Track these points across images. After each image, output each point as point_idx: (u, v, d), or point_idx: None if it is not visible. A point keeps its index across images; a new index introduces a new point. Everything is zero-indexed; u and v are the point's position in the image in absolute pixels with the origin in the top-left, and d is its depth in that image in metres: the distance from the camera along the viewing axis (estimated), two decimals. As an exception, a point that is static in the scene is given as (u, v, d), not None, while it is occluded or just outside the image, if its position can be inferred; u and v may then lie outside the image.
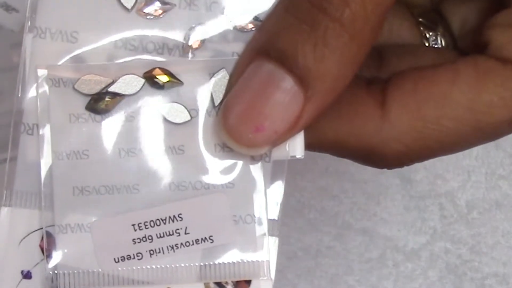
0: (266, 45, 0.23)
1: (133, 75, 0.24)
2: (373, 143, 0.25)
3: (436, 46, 0.29)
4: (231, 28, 0.25)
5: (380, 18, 0.23)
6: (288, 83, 0.23)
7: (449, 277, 0.48)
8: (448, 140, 0.25)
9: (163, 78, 0.24)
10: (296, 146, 0.25)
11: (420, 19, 0.29)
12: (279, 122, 0.23)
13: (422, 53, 0.28)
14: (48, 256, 0.24)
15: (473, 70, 0.25)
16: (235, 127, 0.23)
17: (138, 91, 0.24)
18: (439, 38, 0.29)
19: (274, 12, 0.24)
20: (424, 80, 0.25)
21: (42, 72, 0.24)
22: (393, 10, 0.28)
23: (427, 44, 0.29)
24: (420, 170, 0.48)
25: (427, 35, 0.29)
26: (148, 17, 0.25)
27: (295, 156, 0.25)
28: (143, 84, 0.24)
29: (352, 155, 0.26)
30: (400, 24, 0.29)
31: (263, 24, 0.24)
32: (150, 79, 0.24)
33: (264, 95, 0.23)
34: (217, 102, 0.24)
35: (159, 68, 0.24)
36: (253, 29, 0.25)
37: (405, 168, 0.47)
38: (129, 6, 0.24)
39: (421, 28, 0.29)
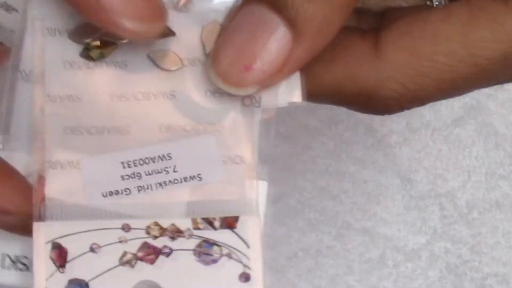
0: None
1: None
2: (369, 84, 0.25)
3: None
4: None
5: None
6: (277, 24, 0.23)
7: (449, 277, 0.48)
8: (444, 77, 0.25)
9: None
10: (294, 91, 0.25)
11: None
12: (268, 63, 0.23)
13: (423, 10, 0.28)
14: (41, 198, 0.25)
15: (465, 8, 0.25)
16: (224, 66, 0.24)
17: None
18: None
19: None
20: (417, 20, 0.25)
21: (39, 22, 0.25)
22: None
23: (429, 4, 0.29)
24: (420, 170, 0.48)
25: None
26: None
27: (294, 102, 0.25)
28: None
29: (350, 101, 0.26)
30: None
31: None
32: None
33: (254, 36, 0.23)
34: (208, 51, 0.25)
35: None
36: None
37: (405, 168, 0.47)
38: None
39: None
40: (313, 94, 0.25)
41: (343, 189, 0.47)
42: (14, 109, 0.25)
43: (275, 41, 0.23)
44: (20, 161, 0.25)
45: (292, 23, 0.23)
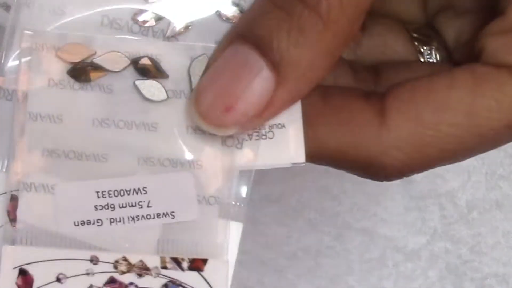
0: (244, 30, 0.24)
1: (119, 53, 0.25)
2: (373, 152, 0.25)
3: (431, 61, 0.29)
4: (217, 18, 0.25)
5: (359, 10, 0.23)
6: (261, 66, 0.23)
7: (449, 277, 0.48)
8: (448, 147, 0.25)
9: (150, 68, 0.25)
10: (298, 152, 0.25)
11: (415, 35, 0.29)
12: (249, 105, 0.23)
13: (418, 67, 0.28)
14: (13, 219, 0.25)
15: (469, 76, 0.25)
16: (205, 105, 0.24)
17: (122, 70, 0.25)
18: (433, 52, 0.29)
19: (256, 0, 0.24)
20: (421, 87, 0.25)
21: (26, 38, 0.25)
22: (387, 26, 0.29)
23: (422, 59, 0.29)
24: (420, 170, 0.48)
25: (422, 50, 0.29)
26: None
27: (296, 163, 0.25)
28: (128, 65, 0.25)
29: (352, 166, 0.26)
30: (395, 39, 0.29)
31: (245, 12, 0.25)
32: (136, 65, 0.25)
33: (237, 77, 0.23)
34: (194, 85, 0.25)
35: (148, 57, 0.25)
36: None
37: (405, 168, 0.47)
38: None
39: (416, 43, 0.29)
40: (314, 156, 0.25)
41: (343, 189, 0.47)
42: None
43: (258, 83, 0.23)
44: None
45: (276, 67, 0.23)
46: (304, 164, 0.25)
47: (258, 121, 0.24)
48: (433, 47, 0.29)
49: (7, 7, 0.41)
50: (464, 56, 0.27)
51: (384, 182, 0.47)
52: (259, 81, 0.23)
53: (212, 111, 0.23)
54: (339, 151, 0.25)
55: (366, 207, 0.47)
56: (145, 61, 0.25)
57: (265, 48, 0.23)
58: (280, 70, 0.23)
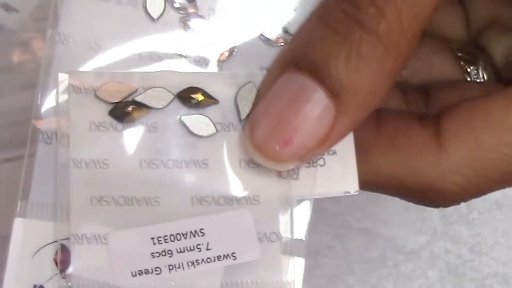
0: (297, 57, 0.22)
1: (161, 89, 0.24)
2: (431, 177, 0.24)
3: (478, 80, 0.28)
4: (260, 41, 0.24)
5: (417, 31, 0.22)
6: (319, 95, 0.22)
7: (449, 277, 0.48)
8: (509, 169, 0.24)
9: (198, 97, 0.24)
10: (349, 181, 0.24)
11: (460, 54, 0.29)
12: (308, 136, 0.22)
13: (468, 87, 0.28)
14: (62, 270, 0.23)
15: None
16: (262, 140, 0.22)
17: (166, 105, 0.24)
18: (480, 72, 0.28)
19: (307, 23, 0.23)
20: (478, 109, 0.24)
21: (63, 78, 0.23)
22: (432, 47, 0.28)
23: (468, 79, 0.28)
24: (420, 170, 0.48)
25: (468, 70, 0.28)
26: (175, 28, 0.24)
27: (349, 192, 0.24)
28: (172, 99, 0.24)
29: (409, 193, 0.25)
30: (440, 60, 0.28)
31: (295, 35, 0.23)
32: (183, 97, 0.24)
33: (294, 108, 0.22)
34: (243, 116, 0.24)
35: (193, 87, 0.24)
36: (282, 43, 0.24)
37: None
38: (155, 16, 0.24)
39: (462, 63, 0.28)
40: (369, 183, 0.24)
41: (343, 189, 0.47)
42: (36, 174, 0.23)
43: (317, 113, 0.22)
44: (38, 229, 0.23)
45: (335, 95, 0.22)
46: (357, 193, 0.24)
47: (317, 152, 0.23)
48: (480, 66, 0.28)
49: (7, 7, 0.41)
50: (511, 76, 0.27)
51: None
52: (318, 111, 0.22)
53: (270, 146, 0.22)
54: (395, 178, 0.24)
55: (366, 207, 0.47)
56: (191, 91, 0.24)
57: (323, 76, 0.22)
58: (340, 98, 0.22)
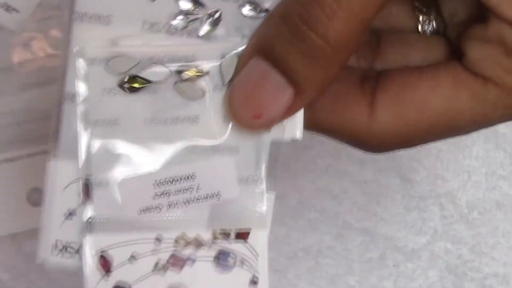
0: (263, 48, 0.28)
1: (161, 67, 0.29)
2: (361, 134, 0.30)
3: (429, 29, 0.33)
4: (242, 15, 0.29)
5: (365, 29, 0.27)
6: (281, 81, 0.28)
7: (449, 277, 0.48)
8: (422, 136, 0.30)
9: (191, 73, 0.29)
10: (295, 130, 0.30)
11: (417, 4, 0.33)
12: (273, 111, 0.28)
13: (415, 41, 0.32)
14: (85, 204, 0.29)
15: (451, 80, 0.29)
16: (237, 111, 0.29)
17: (165, 79, 0.29)
18: (432, 22, 0.33)
19: (272, 18, 0.29)
20: (408, 86, 0.30)
21: (80, 52, 0.29)
22: None
23: (420, 28, 0.33)
24: (420, 170, 0.48)
25: (421, 19, 0.33)
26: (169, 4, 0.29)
27: (295, 138, 0.30)
28: (171, 75, 0.29)
29: (344, 142, 0.31)
30: (398, 8, 0.34)
31: (262, 26, 0.29)
32: (179, 72, 0.29)
33: (261, 88, 0.28)
34: (226, 81, 0.29)
35: (187, 64, 0.29)
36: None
37: (405, 168, 0.47)
38: None
39: (416, 12, 0.33)
40: (311, 129, 0.30)
41: (343, 189, 0.47)
42: (63, 125, 0.29)
43: (279, 94, 0.28)
44: (67, 168, 0.29)
45: (293, 81, 0.28)
46: (300, 139, 0.30)
47: (280, 121, 0.29)
48: (431, 17, 0.33)
49: (7, 7, 0.41)
50: (455, 36, 0.31)
51: (384, 182, 0.47)
52: (280, 93, 0.28)
53: (244, 117, 0.29)
54: (332, 130, 0.31)
55: (366, 207, 0.48)
56: (188, 69, 0.29)
57: (283, 67, 0.28)
58: (297, 84, 0.28)
